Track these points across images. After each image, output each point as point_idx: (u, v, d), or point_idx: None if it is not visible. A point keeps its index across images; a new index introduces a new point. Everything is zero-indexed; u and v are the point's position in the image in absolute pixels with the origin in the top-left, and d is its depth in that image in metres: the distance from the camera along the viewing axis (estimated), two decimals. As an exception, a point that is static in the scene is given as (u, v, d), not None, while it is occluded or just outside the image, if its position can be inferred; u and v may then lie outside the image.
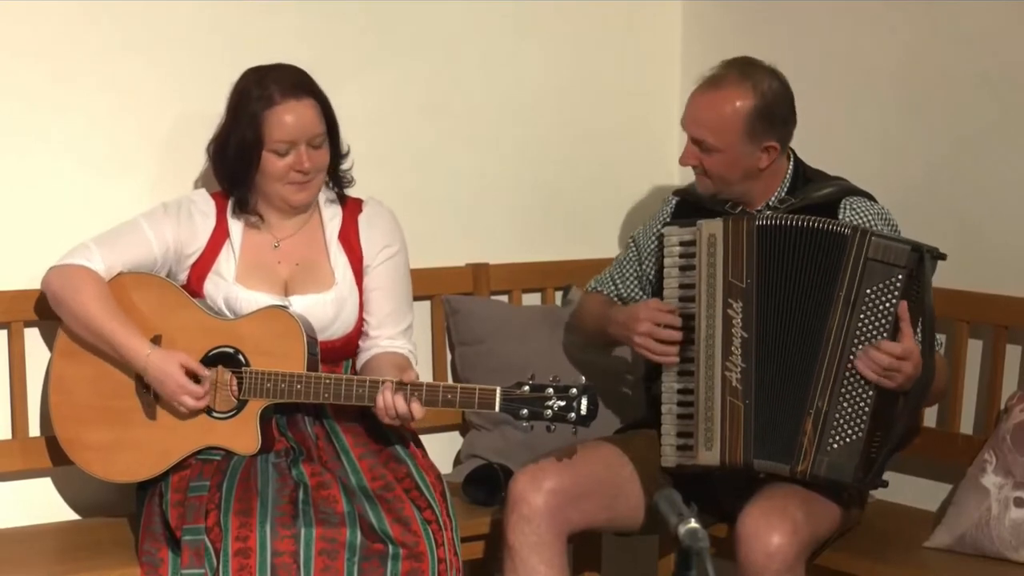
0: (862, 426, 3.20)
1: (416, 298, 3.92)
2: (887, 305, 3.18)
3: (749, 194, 3.46)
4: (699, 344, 3.29)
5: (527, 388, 3.16)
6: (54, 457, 3.47)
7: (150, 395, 3.28)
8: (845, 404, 3.20)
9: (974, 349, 3.66)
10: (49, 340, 3.46)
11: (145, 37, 3.63)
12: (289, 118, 3.30)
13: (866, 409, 3.20)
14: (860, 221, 3.37)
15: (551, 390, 3.15)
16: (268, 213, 3.42)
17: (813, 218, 3.27)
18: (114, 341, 3.25)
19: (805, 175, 3.50)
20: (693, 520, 2.22)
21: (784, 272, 3.26)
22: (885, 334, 3.18)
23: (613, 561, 4.08)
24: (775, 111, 3.38)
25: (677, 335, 3.32)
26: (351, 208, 3.48)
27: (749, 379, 3.26)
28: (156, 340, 3.27)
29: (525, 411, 3.15)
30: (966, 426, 3.63)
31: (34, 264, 3.40)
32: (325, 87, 3.39)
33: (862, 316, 3.19)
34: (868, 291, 3.18)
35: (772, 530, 3.13)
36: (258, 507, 3.12)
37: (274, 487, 3.17)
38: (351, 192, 3.52)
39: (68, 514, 3.61)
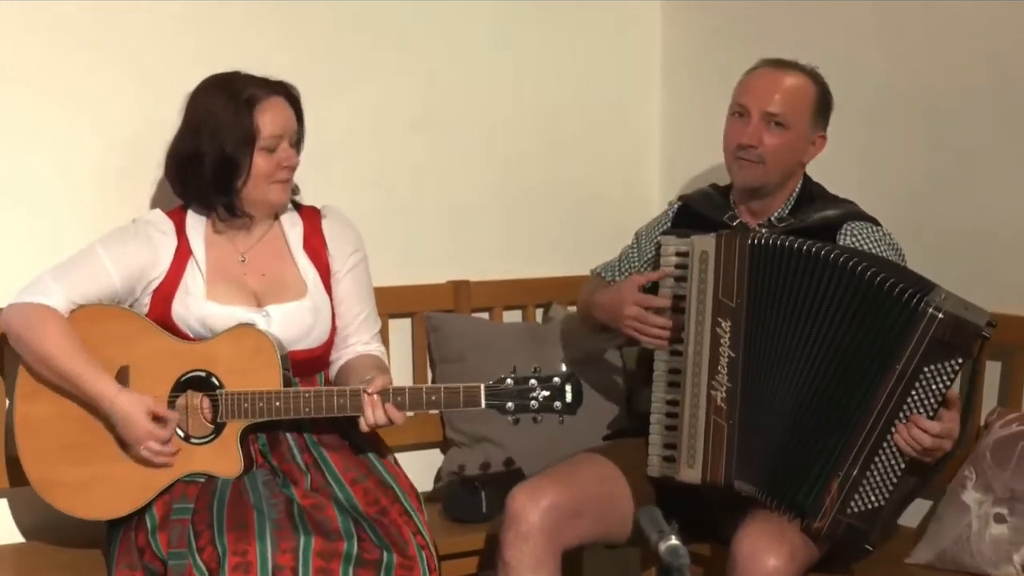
0: (886, 495, 3.14)
1: (397, 315, 3.94)
2: (940, 386, 3.09)
3: (774, 197, 3.42)
4: (687, 361, 3.26)
5: (510, 382, 3.15)
6: (12, 478, 3.42)
7: None
8: (876, 473, 3.13)
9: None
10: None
11: (125, 56, 3.62)
12: (274, 113, 3.30)
13: (894, 480, 3.14)
14: (860, 246, 3.33)
15: (534, 381, 3.15)
16: (233, 225, 3.38)
17: (807, 241, 3.19)
18: (80, 383, 3.18)
19: (811, 195, 3.46)
20: (674, 537, 2.22)
21: (779, 293, 3.19)
22: (931, 413, 3.09)
23: (595, 573, 4.07)
24: (828, 102, 3.43)
25: (667, 321, 3.29)
26: (310, 217, 3.45)
27: (735, 399, 3.23)
28: (124, 371, 3.21)
29: (511, 405, 3.14)
30: (947, 442, 3.63)
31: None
32: (307, 105, 3.38)
33: (913, 393, 3.09)
34: (926, 368, 3.08)
35: (769, 553, 3.10)
36: (255, 520, 3.07)
37: (269, 502, 3.13)
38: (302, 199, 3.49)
39: (19, 537, 3.55)
